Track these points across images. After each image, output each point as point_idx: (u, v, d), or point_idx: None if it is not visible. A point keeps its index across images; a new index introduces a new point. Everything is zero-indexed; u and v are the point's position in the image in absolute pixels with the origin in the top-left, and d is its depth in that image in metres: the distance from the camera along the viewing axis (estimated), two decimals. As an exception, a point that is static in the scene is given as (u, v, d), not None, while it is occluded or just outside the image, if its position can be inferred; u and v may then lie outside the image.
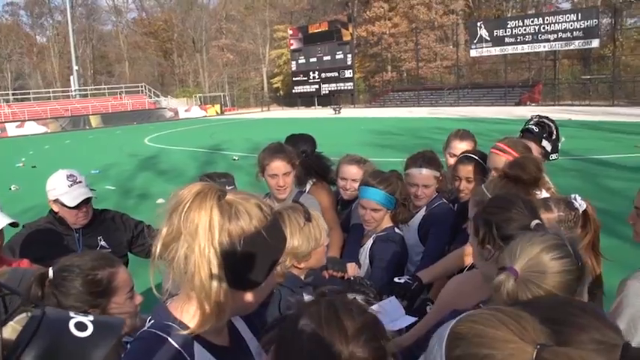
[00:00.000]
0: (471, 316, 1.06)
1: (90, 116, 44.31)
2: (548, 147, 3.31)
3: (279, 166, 3.30)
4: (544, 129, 3.36)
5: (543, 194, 2.61)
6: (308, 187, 3.75)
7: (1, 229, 2.46)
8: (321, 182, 3.80)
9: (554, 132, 3.38)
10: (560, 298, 1.30)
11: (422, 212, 3.31)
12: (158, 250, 1.27)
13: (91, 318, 0.86)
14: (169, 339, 1.31)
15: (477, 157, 3.16)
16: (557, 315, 1.13)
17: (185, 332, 1.31)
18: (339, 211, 3.76)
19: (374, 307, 1.90)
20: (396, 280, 2.72)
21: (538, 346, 0.94)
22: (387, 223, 3.15)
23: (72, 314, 0.87)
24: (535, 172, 2.28)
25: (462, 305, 1.95)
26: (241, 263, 1.28)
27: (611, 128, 21.66)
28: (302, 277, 2.33)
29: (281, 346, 1.12)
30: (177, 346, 1.30)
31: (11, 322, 0.89)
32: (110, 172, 16.81)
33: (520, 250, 1.51)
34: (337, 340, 1.06)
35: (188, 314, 1.34)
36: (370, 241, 3.15)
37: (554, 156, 3.35)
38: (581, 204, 2.35)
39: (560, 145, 3.41)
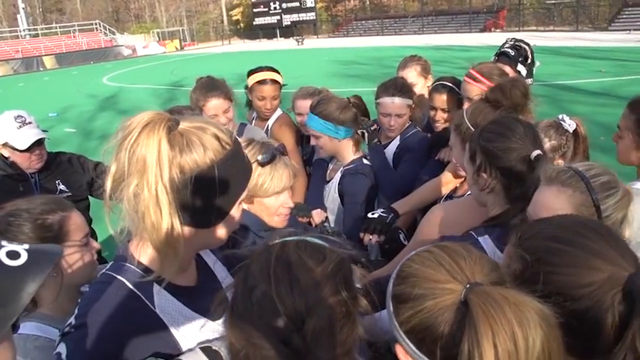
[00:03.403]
0: (414, 256, 1.08)
1: (43, 57, 42.28)
2: (524, 71, 3.22)
3: (216, 104, 3.10)
4: (520, 52, 3.25)
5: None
6: (272, 121, 3.61)
7: None
8: (285, 116, 3.65)
9: (530, 56, 3.27)
10: (577, 218, 1.24)
11: (396, 141, 3.19)
12: (108, 190, 1.16)
13: (26, 246, 0.78)
14: (126, 282, 1.24)
15: (451, 85, 3.04)
16: (564, 234, 1.12)
17: (145, 279, 1.23)
18: (304, 147, 3.65)
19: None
20: (369, 215, 2.62)
21: (467, 285, 0.95)
22: (352, 154, 3.02)
23: (3, 243, 0.79)
24: (518, 98, 2.15)
25: (449, 233, 1.88)
26: (196, 199, 1.17)
27: (576, 53, 21.79)
28: None
29: (234, 311, 1.00)
30: (133, 288, 1.23)
31: None
32: (69, 114, 16.29)
33: None
34: (290, 301, 0.93)
35: (145, 255, 1.26)
36: (338, 175, 3.02)
37: (529, 81, 3.25)
38: (570, 124, 2.27)
39: (535, 69, 3.32)
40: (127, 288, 1.23)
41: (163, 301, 1.27)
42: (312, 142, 2.97)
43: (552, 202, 1.50)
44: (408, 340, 1.02)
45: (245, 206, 1.98)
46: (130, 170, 1.13)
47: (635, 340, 0.97)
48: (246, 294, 0.97)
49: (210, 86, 3.12)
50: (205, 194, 1.18)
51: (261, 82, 3.52)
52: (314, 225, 2.84)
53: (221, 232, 1.29)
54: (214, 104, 3.07)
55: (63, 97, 20.38)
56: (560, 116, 2.34)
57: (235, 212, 1.29)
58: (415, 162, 3.07)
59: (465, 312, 0.92)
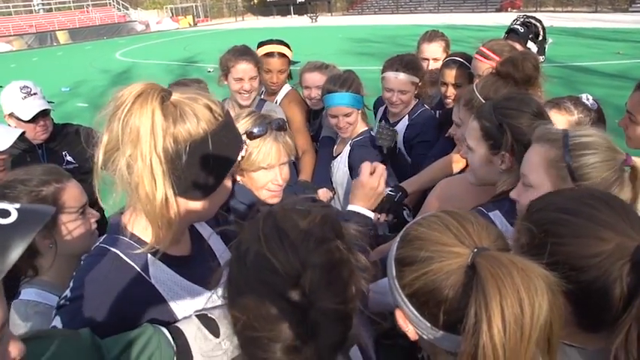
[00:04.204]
0: (420, 219, 1.07)
1: (57, 32, 42.27)
2: (534, 48, 3.15)
3: (245, 68, 3.13)
4: (530, 29, 3.18)
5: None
6: (280, 97, 3.58)
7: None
8: (294, 92, 3.62)
9: (541, 33, 3.20)
10: (588, 190, 1.23)
11: (405, 121, 3.15)
12: (100, 160, 1.15)
13: (17, 206, 0.78)
14: (120, 253, 1.24)
15: (462, 60, 2.99)
16: (572, 205, 1.11)
17: (139, 251, 1.24)
18: (311, 123, 3.62)
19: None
20: None
21: (475, 250, 0.95)
22: (361, 126, 3.02)
23: None
24: (530, 71, 2.11)
25: (456, 207, 1.86)
26: (190, 170, 1.17)
27: (594, 35, 21.42)
28: None
29: (231, 281, 0.98)
30: (128, 260, 1.24)
31: None
32: (81, 89, 16.34)
33: None
34: (283, 255, 0.91)
35: (139, 226, 1.27)
36: (347, 148, 3.02)
37: (540, 58, 3.18)
38: (592, 104, 2.24)
39: (547, 46, 3.25)
40: (122, 260, 1.24)
41: (158, 272, 1.28)
42: (340, 122, 2.92)
43: (532, 157, 1.52)
44: (409, 304, 1.02)
45: (238, 178, 1.99)
46: (123, 140, 1.12)
47: None
48: (241, 260, 0.95)
49: (243, 51, 3.19)
50: (199, 165, 1.18)
51: (269, 54, 3.50)
52: None
53: (213, 203, 1.29)
54: (243, 67, 3.12)
55: (76, 72, 20.43)
56: (584, 95, 2.32)
57: (226, 183, 1.30)
58: (428, 149, 3.00)
59: (472, 276, 0.91)
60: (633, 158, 1.40)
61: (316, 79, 3.37)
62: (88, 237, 1.72)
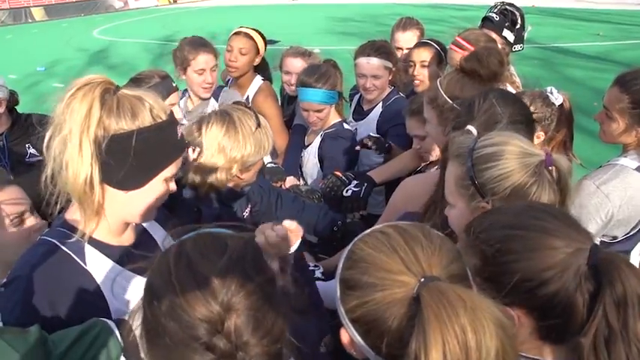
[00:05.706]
0: (367, 236, 1.01)
1: (32, 8, 41.19)
2: (511, 37, 3.10)
3: (207, 60, 3.09)
4: (506, 17, 3.13)
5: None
6: (252, 91, 3.48)
7: None
8: (268, 85, 3.53)
9: (519, 21, 3.15)
10: (529, 204, 1.23)
11: (378, 109, 3.09)
12: (47, 138, 1.24)
13: None
14: (57, 243, 1.33)
15: (433, 44, 2.94)
16: (518, 220, 1.09)
17: (74, 239, 1.32)
18: (285, 108, 3.55)
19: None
20: (344, 194, 2.54)
21: (422, 279, 0.88)
22: (334, 118, 2.96)
23: None
24: (495, 67, 2.06)
25: (415, 207, 1.83)
26: (111, 160, 1.26)
27: (575, 15, 21.44)
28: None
29: (148, 330, 0.91)
30: (66, 249, 1.31)
31: None
32: (57, 68, 15.96)
33: None
34: (203, 303, 0.84)
35: (74, 215, 1.35)
36: (318, 139, 2.97)
37: (518, 47, 3.14)
38: (557, 97, 2.19)
39: (525, 34, 3.19)
40: (58, 248, 1.31)
41: (95, 260, 1.35)
42: (311, 117, 2.88)
43: (447, 175, 1.50)
44: (353, 329, 0.96)
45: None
46: (63, 121, 1.23)
47: (606, 313, 0.94)
48: (156, 311, 0.88)
49: (200, 42, 3.15)
50: (120, 157, 1.26)
51: (235, 33, 3.44)
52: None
53: (141, 201, 1.35)
54: (205, 59, 3.09)
55: (52, 51, 19.94)
56: (548, 88, 2.26)
57: (157, 185, 1.34)
58: (404, 135, 2.94)
59: (416, 310, 0.84)
60: (555, 157, 1.32)
61: (298, 65, 3.30)
62: (24, 247, 1.64)
